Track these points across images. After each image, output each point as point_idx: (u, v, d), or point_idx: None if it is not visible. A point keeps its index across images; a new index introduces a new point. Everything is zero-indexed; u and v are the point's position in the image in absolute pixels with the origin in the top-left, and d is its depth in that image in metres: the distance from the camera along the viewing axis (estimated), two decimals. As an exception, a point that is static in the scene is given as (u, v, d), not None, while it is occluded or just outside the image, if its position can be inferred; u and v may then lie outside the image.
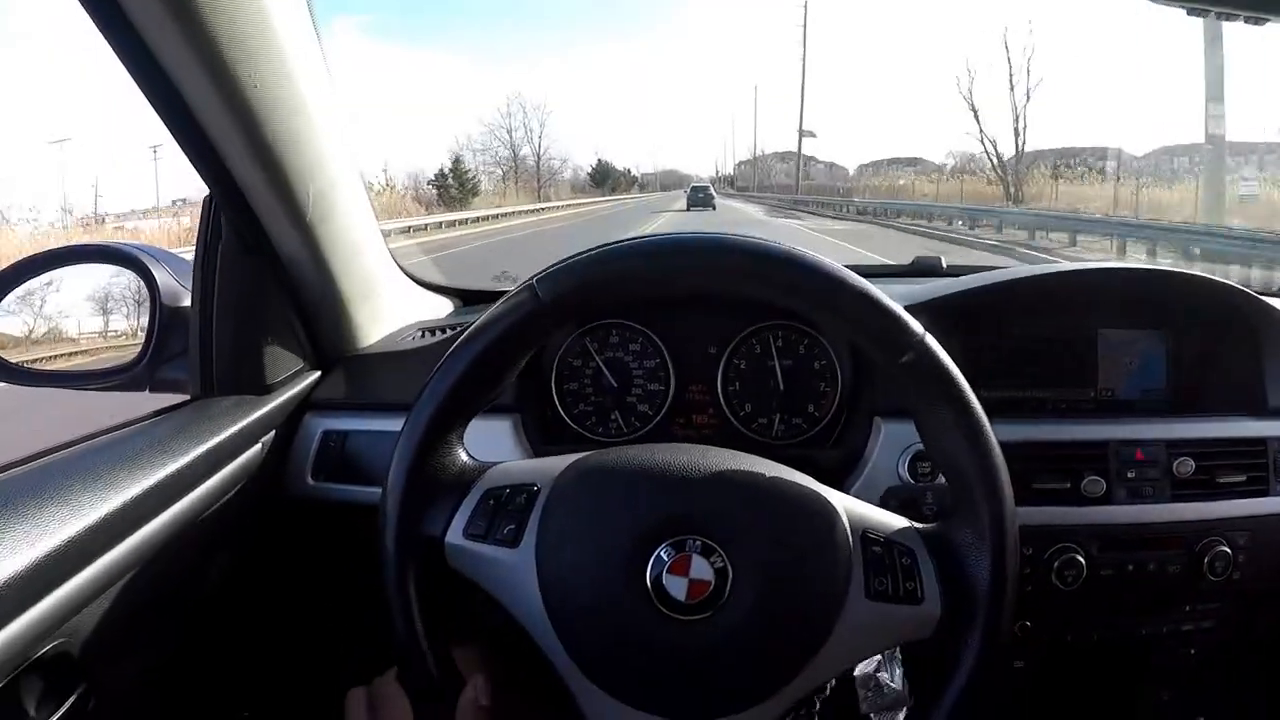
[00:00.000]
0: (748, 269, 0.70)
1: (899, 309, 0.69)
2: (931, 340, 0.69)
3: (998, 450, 0.69)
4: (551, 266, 0.72)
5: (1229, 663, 1.17)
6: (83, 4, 0.74)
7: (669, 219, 24.55)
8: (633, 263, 0.71)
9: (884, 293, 0.70)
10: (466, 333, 0.72)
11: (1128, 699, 1.18)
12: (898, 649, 1.02)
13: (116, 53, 0.78)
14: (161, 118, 0.86)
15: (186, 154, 0.90)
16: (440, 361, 0.72)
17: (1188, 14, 0.82)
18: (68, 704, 0.72)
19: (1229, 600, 1.11)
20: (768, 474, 0.71)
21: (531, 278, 0.71)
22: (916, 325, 0.69)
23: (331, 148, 0.98)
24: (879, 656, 1.03)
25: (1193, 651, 1.13)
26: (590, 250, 0.72)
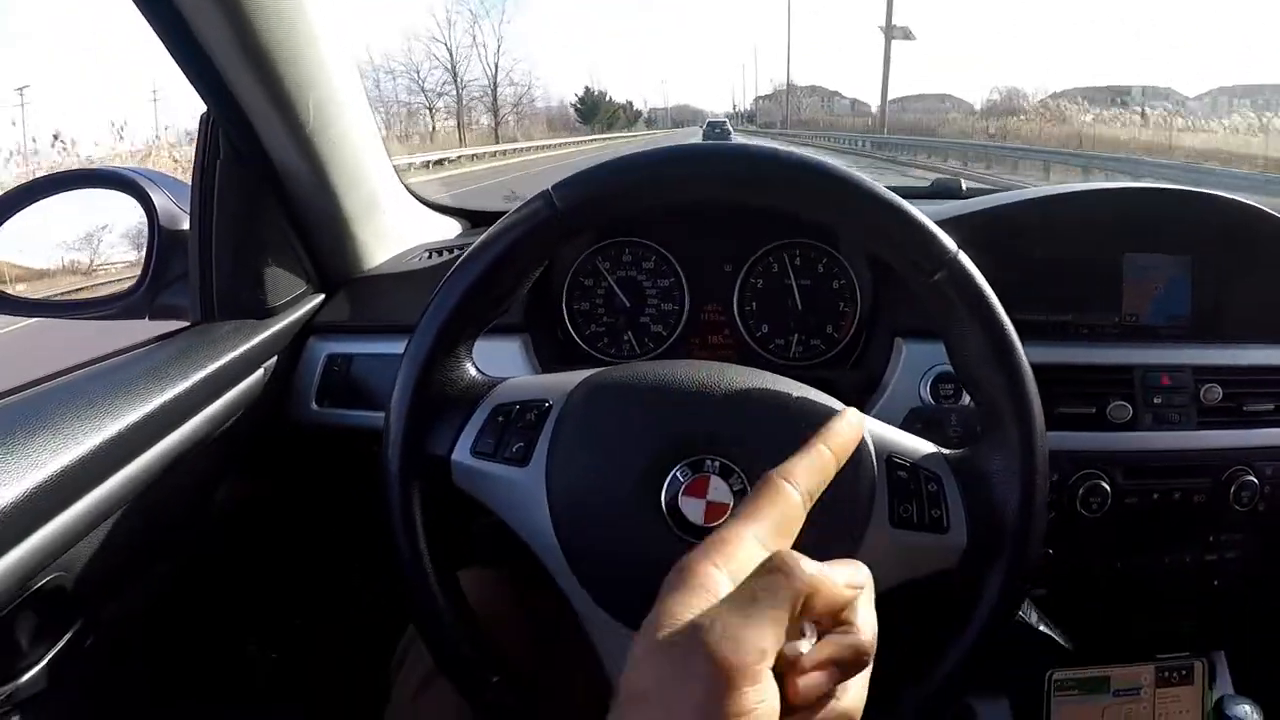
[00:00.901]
0: (775, 177, 0.67)
1: (932, 224, 0.66)
2: (964, 258, 0.66)
3: (1030, 375, 0.66)
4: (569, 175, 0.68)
5: (1252, 594, 1.15)
6: None
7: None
8: (653, 170, 0.68)
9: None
10: (478, 240, 0.68)
11: (1150, 629, 1.17)
12: None
13: None
14: (156, 30, 0.83)
15: (182, 68, 0.87)
16: (450, 271, 0.68)
17: None
18: (65, 638, 0.71)
19: (1254, 531, 1.09)
20: (789, 392, 0.67)
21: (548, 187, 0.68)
22: (950, 242, 0.65)
23: (331, 57, 0.94)
24: None
25: (1216, 582, 1.11)
26: (609, 160, 0.69)
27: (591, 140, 44.24)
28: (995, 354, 0.65)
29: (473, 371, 0.71)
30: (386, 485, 0.67)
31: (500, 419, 0.68)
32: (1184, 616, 1.16)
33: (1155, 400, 1.02)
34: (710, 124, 35.32)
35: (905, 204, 0.66)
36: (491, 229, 0.68)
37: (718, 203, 0.68)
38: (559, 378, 0.70)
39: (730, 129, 36.71)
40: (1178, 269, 1.11)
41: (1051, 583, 1.08)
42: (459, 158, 26.12)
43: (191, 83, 0.89)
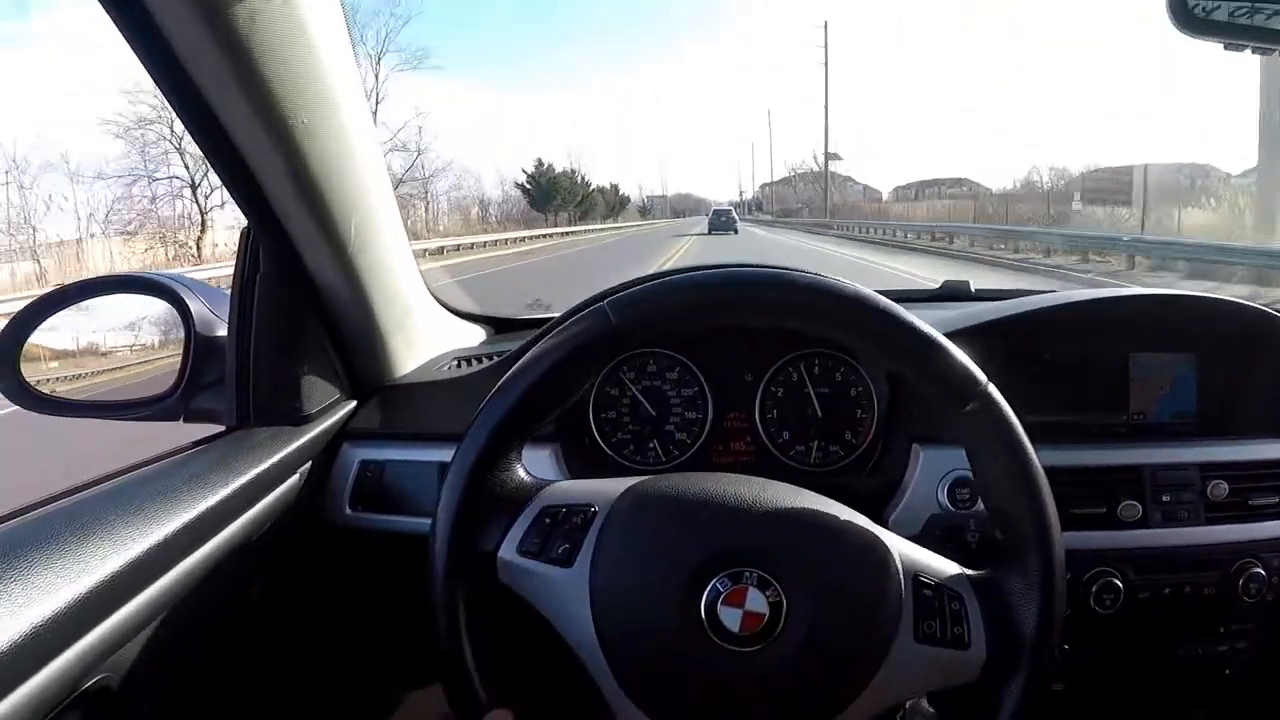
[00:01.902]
0: (816, 306, 0.71)
1: (964, 356, 0.70)
2: (994, 390, 0.70)
3: (1051, 501, 0.70)
4: (621, 291, 0.73)
5: (1264, 683, 1.16)
6: (127, 39, 0.74)
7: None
8: (709, 294, 0.72)
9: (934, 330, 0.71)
10: (535, 349, 0.72)
11: (1165, 719, 1.18)
12: None
13: (161, 89, 0.79)
14: (205, 152, 0.87)
15: (227, 186, 0.91)
16: (506, 376, 0.72)
17: (1224, 49, 0.83)
18: None
19: (1264, 621, 1.11)
20: (826, 511, 0.71)
21: (603, 300, 0.71)
22: (980, 374, 0.70)
23: (371, 178, 0.98)
24: None
25: (1228, 672, 1.13)
26: (660, 277, 0.73)
27: (533, 237, 33.54)
28: (1020, 482, 0.70)
29: (522, 474, 0.74)
30: (432, 578, 0.70)
31: (547, 520, 0.71)
32: (1198, 706, 1.17)
33: (1164, 499, 1.05)
34: (716, 212, 35.10)
35: (937, 335, 0.70)
36: (549, 340, 0.72)
37: (765, 326, 0.73)
38: (605, 484, 0.74)
39: (736, 217, 36.97)
40: (1183, 367, 1.15)
41: (1068, 678, 1.10)
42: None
43: (236, 200, 0.93)
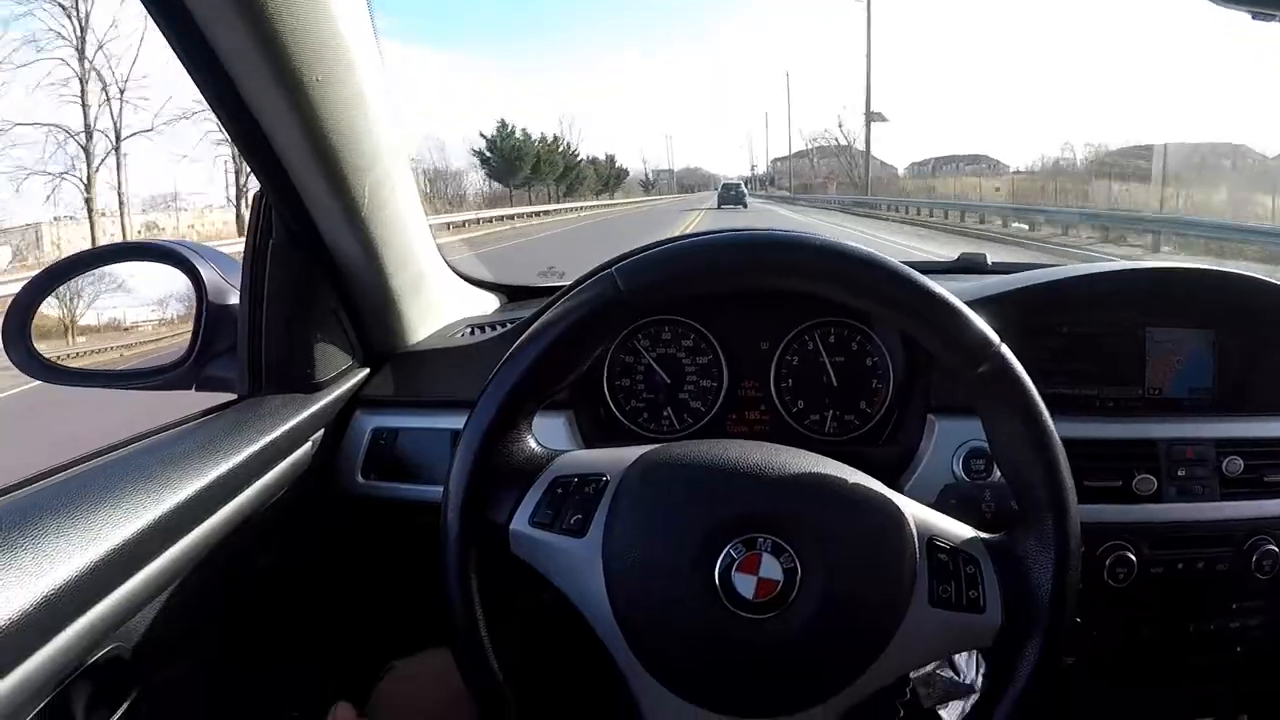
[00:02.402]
0: (828, 269, 0.70)
1: (977, 318, 0.69)
2: (1007, 351, 0.69)
3: (1066, 464, 0.69)
4: (629, 258, 0.72)
5: (1276, 660, 1.16)
6: (144, 2, 0.73)
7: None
8: (714, 256, 0.71)
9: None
10: (542, 319, 0.71)
11: (1175, 695, 1.18)
12: None
13: (175, 48, 0.78)
14: (218, 115, 0.86)
15: (239, 148, 0.90)
16: (515, 346, 0.71)
17: (1252, 18, 0.81)
18: (122, 709, 0.71)
19: (1276, 598, 1.11)
20: (839, 476, 0.70)
21: (610, 267, 0.70)
22: (993, 334, 0.69)
23: (386, 140, 0.97)
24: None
25: (1239, 649, 1.13)
26: (667, 243, 0.72)
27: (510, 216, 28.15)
28: (1034, 444, 0.69)
29: (533, 444, 0.74)
30: (445, 549, 0.69)
31: (559, 491, 0.70)
32: (1209, 683, 1.17)
33: (1179, 473, 1.05)
34: (725, 186, 35.44)
35: (951, 297, 0.69)
36: (555, 309, 0.71)
37: (771, 288, 0.71)
38: (616, 453, 0.73)
39: (745, 192, 36.86)
40: (1200, 342, 1.14)
41: (1080, 651, 1.10)
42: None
43: (248, 163, 0.92)
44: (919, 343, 0.72)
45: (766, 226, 0.78)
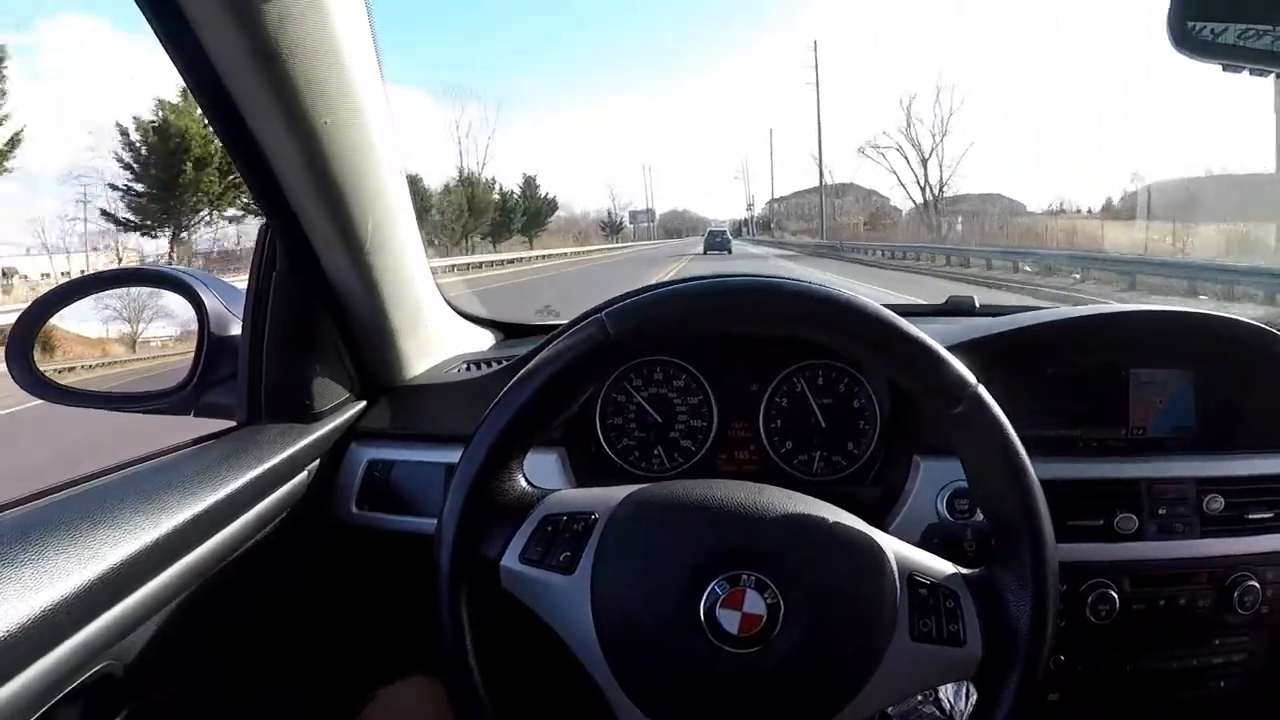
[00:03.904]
0: (807, 313, 0.73)
1: (954, 360, 0.72)
2: (984, 391, 0.71)
3: (1042, 499, 0.71)
4: (619, 301, 0.74)
5: (1259, 695, 1.17)
6: (163, 44, 0.77)
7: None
8: (699, 303, 0.74)
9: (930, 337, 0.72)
10: (533, 362, 0.74)
11: None
12: None
13: (190, 87, 0.81)
14: (229, 149, 0.88)
15: (248, 183, 0.93)
16: (506, 388, 0.74)
17: (1223, 70, 0.85)
18: None
19: (1258, 634, 1.12)
20: (820, 514, 0.72)
21: (600, 311, 0.73)
22: (970, 376, 0.71)
23: (390, 179, 0.99)
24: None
25: (1222, 684, 1.14)
26: (655, 288, 0.75)
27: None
28: (1011, 481, 0.71)
29: (523, 482, 0.76)
30: (437, 584, 0.71)
31: (549, 529, 0.72)
32: (1193, 718, 1.18)
33: (1160, 511, 1.07)
34: (711, 232, 37.52)
35: (930, 340, 0.72)
36: (546, 351, 0.73)
37: (755, 333, 0.74)
38: (604, 492, 0.75)
39: (730, 237, 38.52)
40: (1183, 382, 1.16)
41: (1063, 688, 1.11)
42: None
43: (255, 198, 0.94)
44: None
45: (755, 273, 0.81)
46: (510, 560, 0.72)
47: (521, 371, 0.74)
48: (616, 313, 0.72)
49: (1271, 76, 0.86)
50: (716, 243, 35.76)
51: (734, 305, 0.74)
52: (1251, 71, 0.86)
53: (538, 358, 0.74)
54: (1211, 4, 0.84)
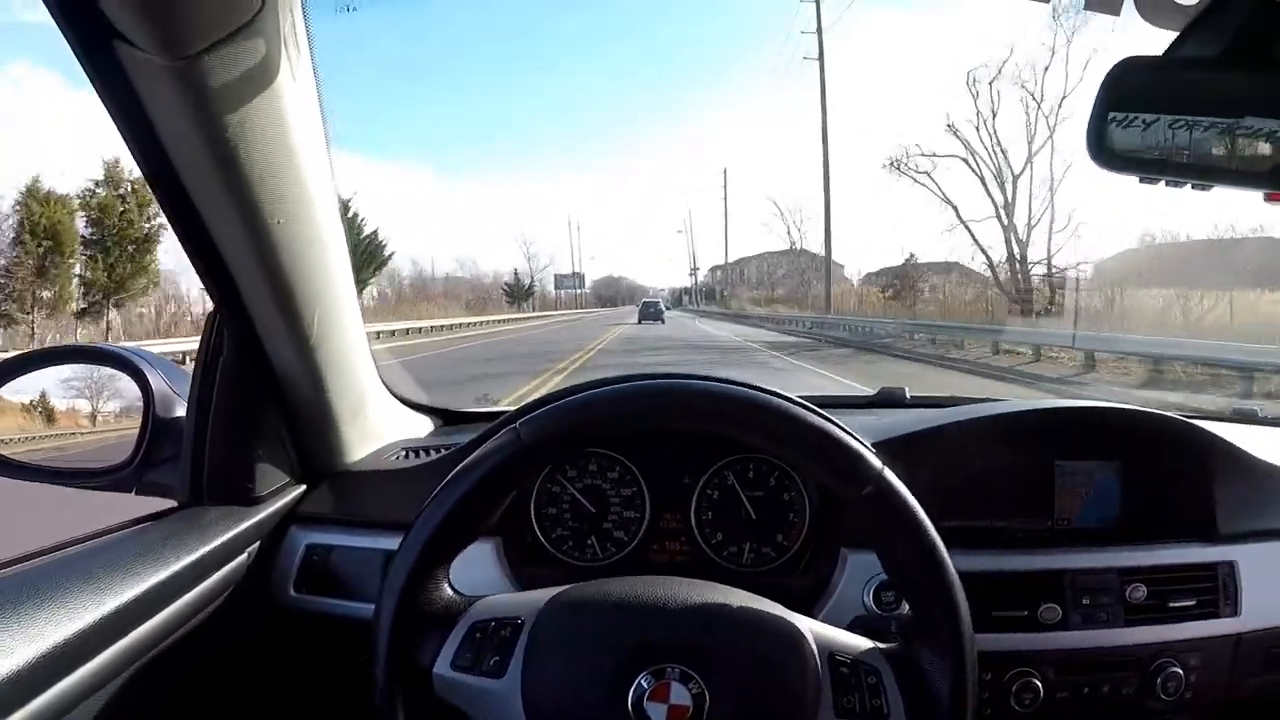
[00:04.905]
0: (711, 411, 0.78)
1: (858, 445, 0.77)
2: (890, 474, 0.76)
3: (954, 572, 0.75)
4: (532, 409, 0.79)
5: None
6: (121, 133, 0.80)
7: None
8: (607, 408, 0.79)
9: (847, 426, 0.78)
10: (452, 474, 0.78)
11: None
12: None
13: (145, 173, 0.84)
14: (180, 238, 0.92)
15: (198, 270, 0.96)
16: (427, 501, 0.78)
17: (1139, 182, 0.90)
18: None
19: (1182, 719, 1.14)
20: (738, 604, 0.76)
21: (514, 420, 0.78)
22: (875, 460, 0.76)
23: (337, 272, 1.03)
24: None
25: None
26: (569, 392, 0.80)
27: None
28: (921, 559, 0.76)
29: (449, 591, 0.80)
30: (374, 694, 0.74)
31: (478, 635, 0.76)
32: None
33: (1084, 601, 1.09)
34: (645, 303, 37.26)
35: (833, 428, 0.77)
36: (463, 464, 0.78)
37: (665, 431, 0.80)
38: (529, 595, 0.79)
39: (664, 308, 38.18)
40: (1108, 473, 1.20)
41: None
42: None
43: (205, 285, 0.98)
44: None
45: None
46: (442, 668, 0.75)
47: (441, 485, 0.78)
48: (529, 421, 0.77)
49: None
50: (650, 313, 35.64)
51: (641, 410, 0.79)
52: (1167, 183, 0.88)
53: (454, 472, 0.78)
54: (1128, 123, 0.90)
